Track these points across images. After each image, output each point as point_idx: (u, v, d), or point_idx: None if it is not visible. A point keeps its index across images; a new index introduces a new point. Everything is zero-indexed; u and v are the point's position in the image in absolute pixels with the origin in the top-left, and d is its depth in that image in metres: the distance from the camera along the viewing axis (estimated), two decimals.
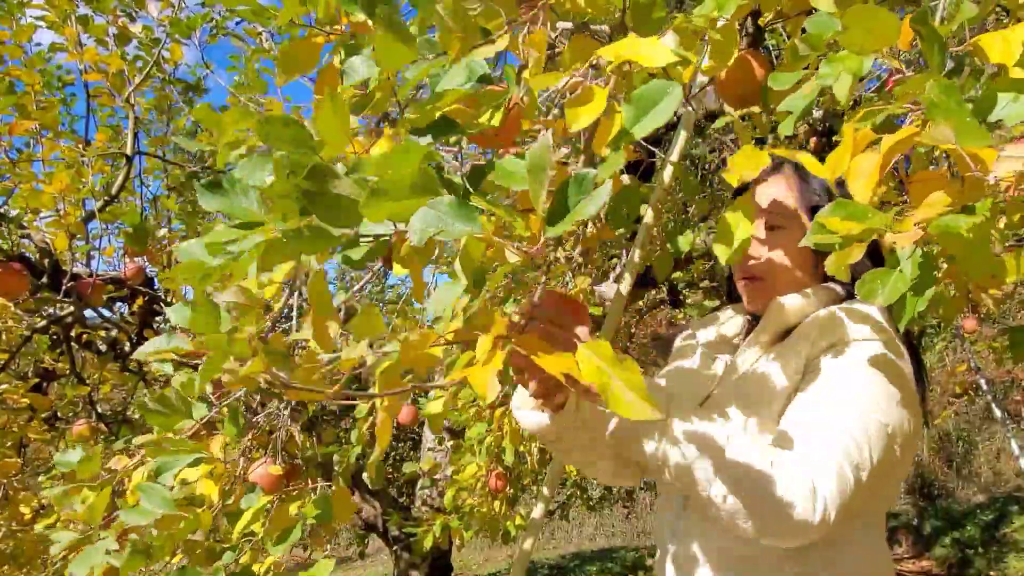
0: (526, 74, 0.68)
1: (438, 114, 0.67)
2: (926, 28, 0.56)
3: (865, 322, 0.97)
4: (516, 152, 0.69)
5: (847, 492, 0.82)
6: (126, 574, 1.09)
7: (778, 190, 1.06)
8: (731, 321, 1.18)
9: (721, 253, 0.73)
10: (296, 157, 0.59)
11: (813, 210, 1.04)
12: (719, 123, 2.43)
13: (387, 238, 0.68)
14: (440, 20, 0.67)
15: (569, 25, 0.81)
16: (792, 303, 1.03)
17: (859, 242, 0.55)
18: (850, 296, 1.05)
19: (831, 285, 1.05)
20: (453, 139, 0.74)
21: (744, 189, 1.10)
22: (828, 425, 0.88)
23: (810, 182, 1.06)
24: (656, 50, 0.64)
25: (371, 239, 0.68)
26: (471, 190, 0.66)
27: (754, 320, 1.11)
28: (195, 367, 1.26)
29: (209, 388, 1.23)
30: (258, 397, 1.88)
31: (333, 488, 1.30)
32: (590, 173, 0.60)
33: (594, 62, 0.82)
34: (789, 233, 1.05)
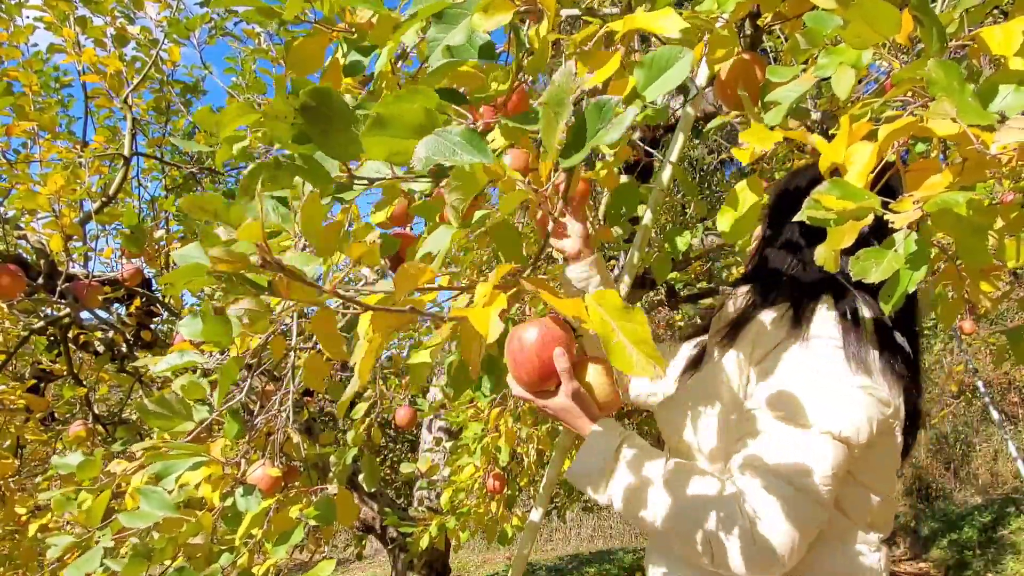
0: (532, 32, 0.66)
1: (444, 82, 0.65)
2: (926, 15, 0.56)
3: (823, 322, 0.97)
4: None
5: (793, 529, 0.84)
6: None
7: None
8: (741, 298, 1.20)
9: (726, 220, 0.70)
10: (300, 79, 0.56)
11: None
12: (714, 124, 2.42)
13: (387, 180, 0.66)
14: None
15: (576, 12, 0.81)
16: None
17: (855, 220, 0.53)
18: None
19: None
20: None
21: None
22: (768, 450, 0.88)
23: None
24: (669, 20, 0.62)
25: (366, 182, 0.66)
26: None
27: None
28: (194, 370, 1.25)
29: (208, 389, 1.23)
30: (256, 399, 1.87)
31: (336, 490, 1.29)
32: (611, 99, 0.56)
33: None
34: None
